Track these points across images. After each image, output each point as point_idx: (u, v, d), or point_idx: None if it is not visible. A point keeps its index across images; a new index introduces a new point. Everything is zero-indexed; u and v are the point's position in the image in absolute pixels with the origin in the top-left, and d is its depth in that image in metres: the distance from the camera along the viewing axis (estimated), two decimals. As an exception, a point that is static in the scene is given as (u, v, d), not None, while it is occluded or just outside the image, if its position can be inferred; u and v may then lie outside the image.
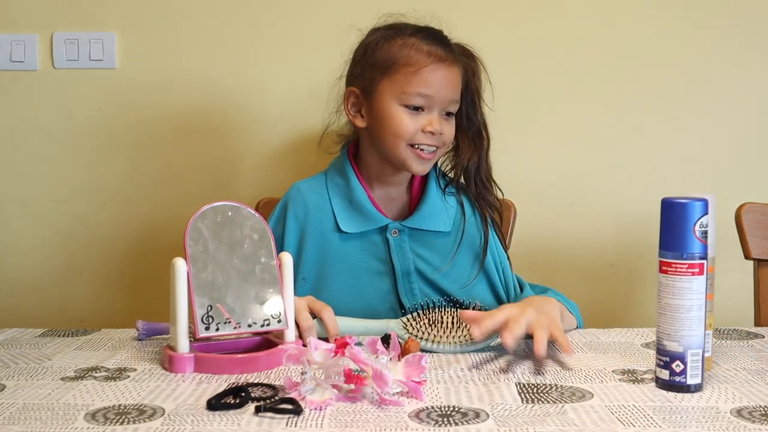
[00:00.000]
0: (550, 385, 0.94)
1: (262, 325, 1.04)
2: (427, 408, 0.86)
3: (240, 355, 1.01)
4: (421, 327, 1.11)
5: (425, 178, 1.36)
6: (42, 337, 1.20)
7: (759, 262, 1.48)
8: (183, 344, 1.01)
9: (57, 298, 1.80)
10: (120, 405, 0.87)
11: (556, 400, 0.88)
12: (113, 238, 1.79)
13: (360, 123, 1.32)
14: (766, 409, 0.85)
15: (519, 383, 0.95)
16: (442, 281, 1.32)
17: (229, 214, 1.06)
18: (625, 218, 1.79)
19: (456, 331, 1.10)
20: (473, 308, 1.29)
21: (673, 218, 0.90)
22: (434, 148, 1.29)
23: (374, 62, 1.29)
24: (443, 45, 1.29)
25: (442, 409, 0.85)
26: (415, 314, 1.13)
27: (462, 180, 1.38)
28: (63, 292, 1.79)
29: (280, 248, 1.32)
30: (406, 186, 1.38)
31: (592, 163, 1.79)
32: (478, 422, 0.81)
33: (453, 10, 1.64)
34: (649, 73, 1.77)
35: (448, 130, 1.30)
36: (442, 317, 1.12)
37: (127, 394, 0.91)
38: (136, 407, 0.86)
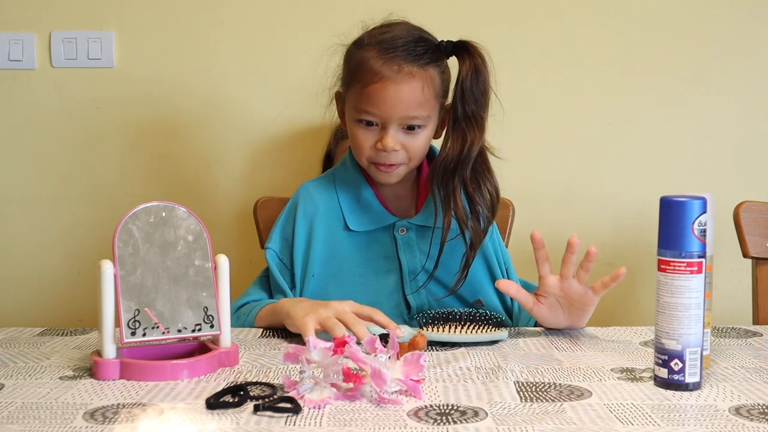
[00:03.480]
0: (548, 383, 0.94)
1: (194, 330, 1.00)
2: (426, 406, 0.86)
3: (173, 362, 0.97)
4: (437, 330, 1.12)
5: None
6: (41, 336, 1.20)
7: (757, 261, 1.48)
8: (109, 350, 0.96)
9: (56, 297, 1.80)
10: (119, 404, 0.87)
11: (555, 398, 0.88)
12: (112, 237, 1.79)
13: (344, 125, 1.34)
14: (764, 407, 0.85)
15: (518, 382, 0.95)
16: (449, 279, 1.30)
17: (163, 214, 1.01)
18: (623, 217, 1.79)
19: (470, 327, 1.12)
20: (475, 303, 1.31)
21: (672, 217, 0.90)
22: (393, 165, 1.26)
23: (343, 71, 1.31)
24: (403, 57, 1.23)
25: (441, 407, 0.85)
26: (429, 319, 1.14)
27: (436, 181, 1.29)
28: (61, 291, 1.79)
29: (290, 246, 1.33)
30: (413, 183, 1.37)
31: (591, 161, 1.79)
32: (476, 421, 0.81)
33: (452, 9, 1.65)
34: (647, 72, 1.78)
35: (413, 144, 1.26)
36: (455, 318, 1.14)
37: (126, 393, 0.91)
38: (135, 406, 0.86)
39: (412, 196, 1.37)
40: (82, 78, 1.77)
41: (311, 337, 0.91)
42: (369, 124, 1.25)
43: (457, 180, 1.27)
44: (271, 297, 1.33)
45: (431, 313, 1.14)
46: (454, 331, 1.11)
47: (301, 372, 0.89)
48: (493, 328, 1.13)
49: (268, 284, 1.35)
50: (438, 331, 1.11)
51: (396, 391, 0.89)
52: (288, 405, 0.84)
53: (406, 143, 1.26)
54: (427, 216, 1.32)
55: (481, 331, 1.12)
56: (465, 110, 1.25)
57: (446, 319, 1.13)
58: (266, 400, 0.86)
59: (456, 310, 1.15)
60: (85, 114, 1.78)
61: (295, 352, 0.90)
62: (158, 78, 1.77)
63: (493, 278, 1.34)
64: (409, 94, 1.22)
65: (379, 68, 1.22)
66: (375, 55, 1.23)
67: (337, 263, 1.32)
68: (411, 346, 1.03)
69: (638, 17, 1.77)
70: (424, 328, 1.12)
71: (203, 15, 1.77)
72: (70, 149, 1.79)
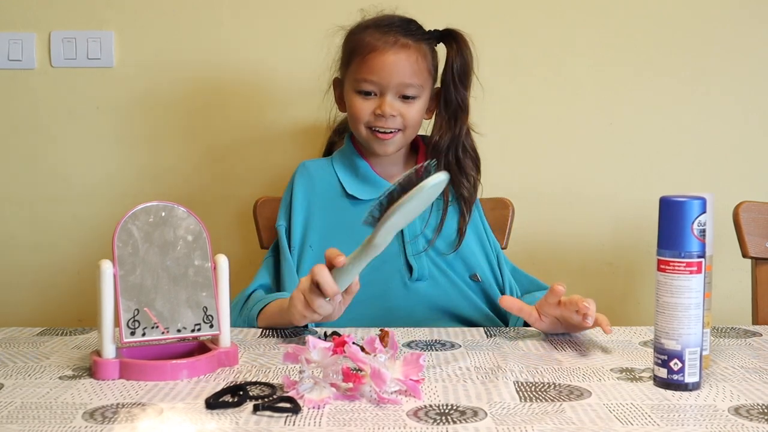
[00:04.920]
0: (548, 383, 0.94)
1: (193, 330, 1.00)
2: (426, 406, 0.86)
3: (173, 361, 0.97)
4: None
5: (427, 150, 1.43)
6: (40, 335, 1.20)
7: (756, 261, 1.48)
8: (108, 350, 0.96)
9: (55, 297, 1.80)
10: (118, 404, 0.87)
11: (554, 398, 0.88)
12: (111, 237, 1.79)
13: (342, 109, 1.44)
14: (764, 407, 0.85)
15: (517, 382, 0.95)
16: (444, 244, 1.37)
17: (163, 214, 1.01)
18: (623, 217, 1.79)
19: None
20: (472, 278, 1.37)
21: (672, 217, 0.90)
22: (391, 130, 1.35)
23: (342, 54, 1.40)
24: (399, 31, 1.34)
25: (441, 407, 0.85)
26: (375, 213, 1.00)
27: (433, 156, 1.39)
28: (61, 291, 1.79)
29: (288, 219, 1.39)
30: (406, 159, 1.45)
31: (591, 161, 1.79)
32: (476, 421, 0.81)
33: (451, 9, 1.64)
34: (647, 72, 1.78)
35: (408, 112, 1.35)
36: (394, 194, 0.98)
37: (125, 392, 0.91)
38: (134, 406, 0.86)
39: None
40: (82, 78, 1.77)
41: (310, 337, 0.91)
42: (367, 94, 1.34)
43: (451, 155, 1.40)
44: (278, 278, 1.37)
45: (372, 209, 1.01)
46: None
47: (300, 372, 0.89)
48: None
49: (273, 266, 1.39)
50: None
51: (395, 391, 0.89)
52: (287, 405, 0.84)
53: (402, 111, 1.35)
54: None
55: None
56: (456, 94, 1.38)
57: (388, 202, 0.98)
58: (266, 400, 0.86)
59: (391, 188, 0.98)
60: (84, 114, 1.78)
61: (295, 352, 0.90)
62: (158, 78, 1.77)
63: (487, 257, 1.42)
64: (405, 62, 1.33)
65: (377, 40, 1.34)
66: (372, 31, 1.35)
67: (338, 232, 1.36)
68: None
69: (638, 17, 1.77)
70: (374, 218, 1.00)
71: (203, 15, 1.77)
72: (70, 149, 1.79)
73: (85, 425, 0.80)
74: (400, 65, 1.33)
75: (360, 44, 1.35)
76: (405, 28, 1.35)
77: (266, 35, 1.77)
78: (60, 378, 0.97)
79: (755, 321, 1.47)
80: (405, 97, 1.35)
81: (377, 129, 1.35)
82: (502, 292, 1.39)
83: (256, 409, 0.83)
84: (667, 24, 1.77)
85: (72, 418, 0.82)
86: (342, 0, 1.63)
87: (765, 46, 1.78)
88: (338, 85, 1.44)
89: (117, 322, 0.97)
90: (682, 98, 1.79)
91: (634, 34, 1.77)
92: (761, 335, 1.20)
